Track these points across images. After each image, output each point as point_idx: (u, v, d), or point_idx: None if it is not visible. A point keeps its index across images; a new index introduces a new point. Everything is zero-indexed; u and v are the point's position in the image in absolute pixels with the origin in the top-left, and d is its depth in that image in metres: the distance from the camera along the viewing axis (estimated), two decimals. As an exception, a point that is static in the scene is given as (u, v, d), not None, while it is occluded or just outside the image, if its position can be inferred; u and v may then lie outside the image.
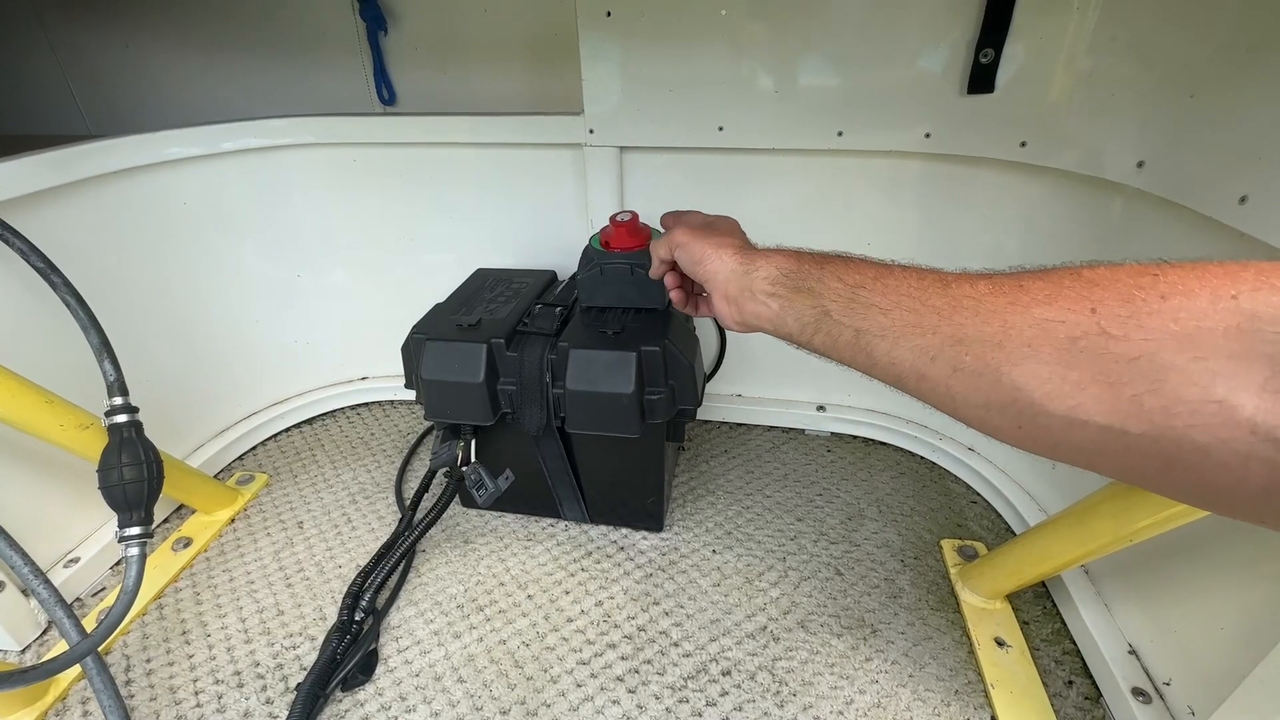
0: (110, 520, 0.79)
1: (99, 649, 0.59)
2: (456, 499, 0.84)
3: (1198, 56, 0.55)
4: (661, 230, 0.79)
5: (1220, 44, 0.53)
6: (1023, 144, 0.70)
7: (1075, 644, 0.66)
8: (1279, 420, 0.22)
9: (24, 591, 0.68)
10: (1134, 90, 0.61)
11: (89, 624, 0.69)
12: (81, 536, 0.78)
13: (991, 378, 0.30)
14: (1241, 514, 0.26)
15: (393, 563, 0.72)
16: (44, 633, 0.70)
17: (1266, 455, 0.23)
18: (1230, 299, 0.23)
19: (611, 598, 0.73)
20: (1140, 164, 0.60)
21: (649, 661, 0.66)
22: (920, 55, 0.71)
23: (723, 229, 0.52)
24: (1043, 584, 0.72)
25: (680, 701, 0.62)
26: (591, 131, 0.82)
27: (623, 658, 0.66)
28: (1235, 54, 0.51)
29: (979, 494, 0.87)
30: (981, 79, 0.69)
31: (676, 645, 0.67)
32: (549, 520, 0.84)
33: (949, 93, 0.71)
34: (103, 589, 0.76)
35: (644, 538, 0.81)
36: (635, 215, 0.77)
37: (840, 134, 0.76)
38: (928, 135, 0.74)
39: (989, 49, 0.67)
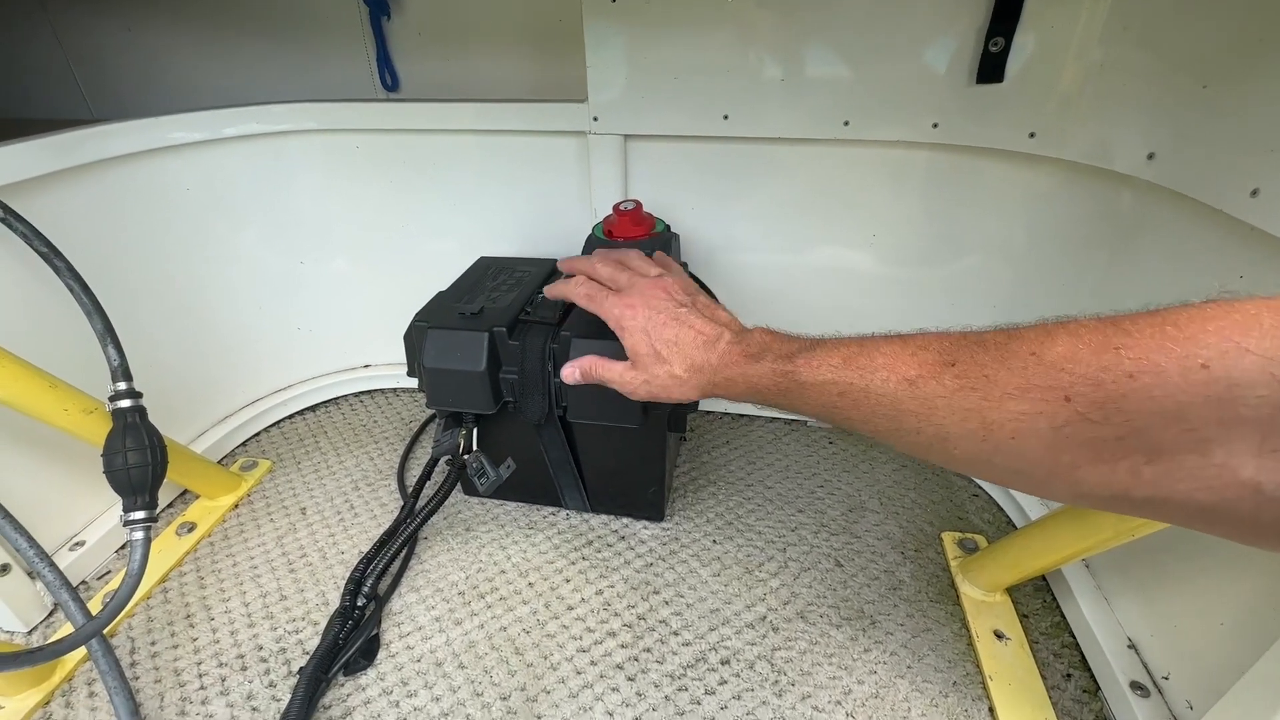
0: (115, 504, 0.79)
1: (104, 631, 0.60)
2: (458, 487, 0.85)
3: (1211, 47, 0.54)
4: (665, 223, 0.79)
5: (1234, 34, 0.52)
6: (1031, 135, 0.70)
7: (1074, 637, 0.66)
8: None
9: (30, 574, 0.69)
10: (1145, 81, 0.60)
11: (94, 607, 0.70)
12: (87, 520, 0.78)
13: (985, 464, 0.31)
14: (1266, 549, 0.26)
15: (395, 549, 0.73)
16: (50, 615, 0.71)
17: (1274, 512, 0.22)
18: (1201, 369, 0.23)
19: (612, 586, 0.73)
20: (1150, 156, 0.60)
21: (649, 650, 0.66)
22: (929, 44, 0.70)
23: (671, 333, 0.47)
24: (1043, 577, 0.72)
25: (679, 690, 0.62)
26: (595, 119, 0.82)
27: (622, 646, 0.67)
28: (1249, 45, 0.51)
29: (980, 487, 0.87)
30: (991, 68, 0.68)
31: (676, 634, 0.68)
32: (550, 509, 0.84)
33: (957, 82, 0.70)
34: (108, 572, 0.77)
35: (645, 527, 0.81)
36: (639, 204, 0.77)
37: (847, 123, 0.76)
38: (935, 125, 0.73)
39: (999, 38, 0.66)
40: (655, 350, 0.47)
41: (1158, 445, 0.24)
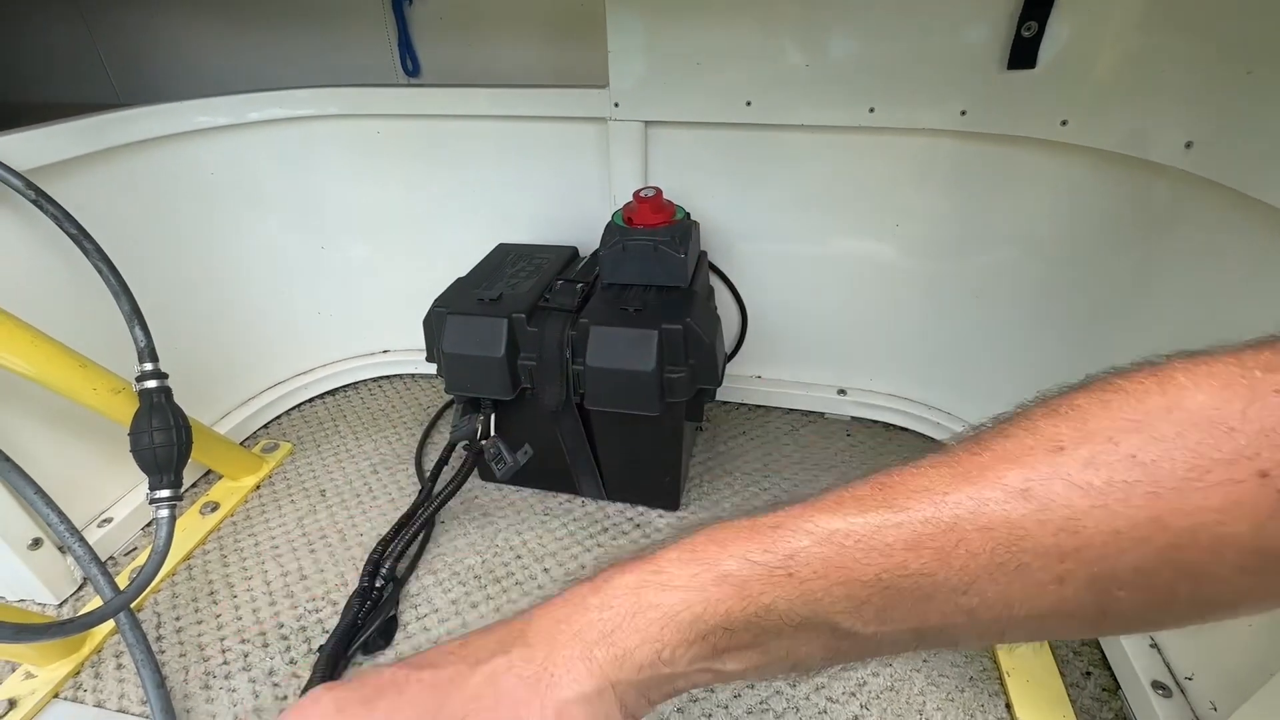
0: (141, 483, 0.81)
1: (131, 606, 0.62)
2: (475, 472, 0.85)
3: (1257, 30, 0.52)
4: (685, 210, 0.78)
5: (1283, 17, 0.50)
6: (1064, 123, 0.68)
7: (1095, 636, 0.65)
8: None
9: (60, 549, 0.71)
10: (1186, 66, 0.58)
11: (121, 582, 0.72)
12: (115, 498, 0.80)
13: (1161, 606, 0.21)
14: None
15: (412, 532, 0.73)
16: (79, 589, 0.73)
17: None
18: (1260, 478, 0.17)
19: (627, 574, 0.74)
20: (1189, 145, 0.58)
21: (663, 637, 0.66)
22: (959, 28, 0.68)
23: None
24: (1063, 575, 0.71)
25: (693, 677, 0.63)
26: (616, 105, 0.81)
27: (637, 632, 0.67)
28: (1299, 28, 0.49)
29: (1001, 482, 0.86)
30: (1023, 53, 0.66)
31: (690, 622, 0.68)
32: (566, 496, 0.85)
33: (988, 68, 0.68)
34: (134, 549, 0.79)
35: (660, 516, 0.81)
36: (659, 191, 0.76)
37: (872, 110, 0.74)
38: (963, 112, 0.72)
39: (1032, 22, 0.64)
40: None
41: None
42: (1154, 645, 0.60)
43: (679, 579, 0.22)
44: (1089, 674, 0.62)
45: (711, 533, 0.23)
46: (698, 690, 0.61)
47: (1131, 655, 0.59)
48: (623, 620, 0.22)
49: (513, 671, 0.22)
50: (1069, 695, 0.60)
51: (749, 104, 0.77)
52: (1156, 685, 0.57)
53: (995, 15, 0.66)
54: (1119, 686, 0.60)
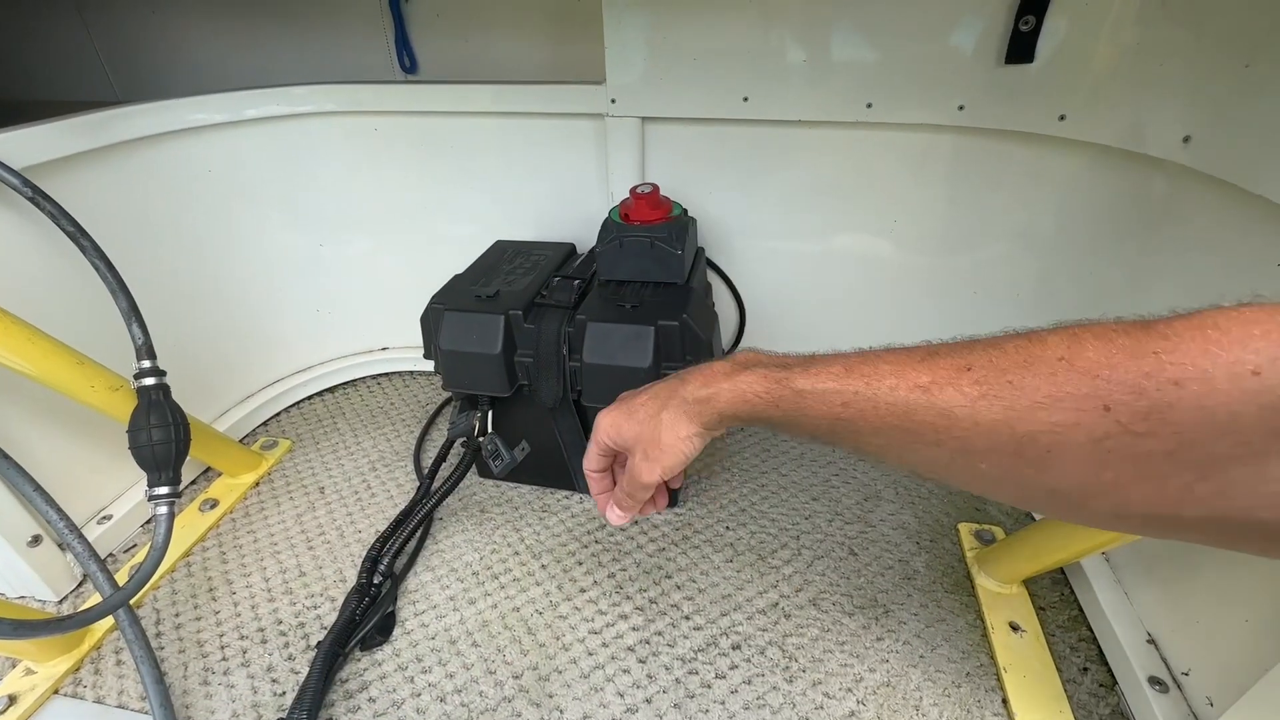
0: (140, 480, 0.81)
1: (130, 602, 0.62)
2: (473, 469, 0.85)
3: (1256, 23, 0.51)
4: (682, 206, 0.78)
5: (1281, 10, 0.50)
6: (1061, 117, 0.67)
7: (1092, 631, 0.65)
8: None
9: (60, 546, 0.71)
10: (1184, 60, 0.58)
11: (121, 578, 0.72)
12: (114, 495, 0.80)
13: (1019, 483, 0.28)
14: None
15: (410, 529, 0.74)
16: (79, 585, 0.73)
17: None
18: (1252, 376, 0.21)
19: (624, 570, 0.74)
20: (1186, 139, 0.57)
21: (660, 633, 0.67)
22: (956, 22, 0.68)
23: (643, 401, 0.42)
24: (1061, 570, 0.71)
25: (690, 673, 0.63)
26: (614, 101, 0.81)
27: (634, 629, 0.67)
28: (1297, 20, 0.48)
29: (999, 478, 0.86)
30: (1020, 48, 0.66)
31: (688, 618, 0.68)
32: (564, 492, 0.85)
33: (985, 62, 0.68)
34: (134, 546, 0.79)
35: (658, 512, 0.81)
36: (656, 187, 0.76)
37: (869, 106, 0.74)
38: (961, 107, 0.71)
39: (1030, 16, 0.64)
40: (637, 422, 0.42)
41: (1210, 460, 0.22)
42: (1151, 641, 0.60)
43: (736, 387, 0.38)
44: (1086, 669, 0.62)
45: (756, 372, 0.37)
46: (696, 687, 0.61)
47: (1129, 651, 0.59)
48: (709, 395, 0.39)
49: (674, 398, 0.41)
50: (1066, 691, 0.60)
51: (746, 100, 0.77)
52: (1153, 680, 0.57)
53: (993, 9, 0.66)
54: (1116, 682, 0.61)
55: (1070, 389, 0.25)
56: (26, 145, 0.65)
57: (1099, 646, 0.64)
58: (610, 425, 0.44)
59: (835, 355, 0.35)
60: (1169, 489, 0.24)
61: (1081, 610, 0.67)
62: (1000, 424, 0.27)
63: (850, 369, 0.33)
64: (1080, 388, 0.24)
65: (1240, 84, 0.53)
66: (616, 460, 0.48)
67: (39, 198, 0.63)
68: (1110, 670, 0.62)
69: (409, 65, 1.17)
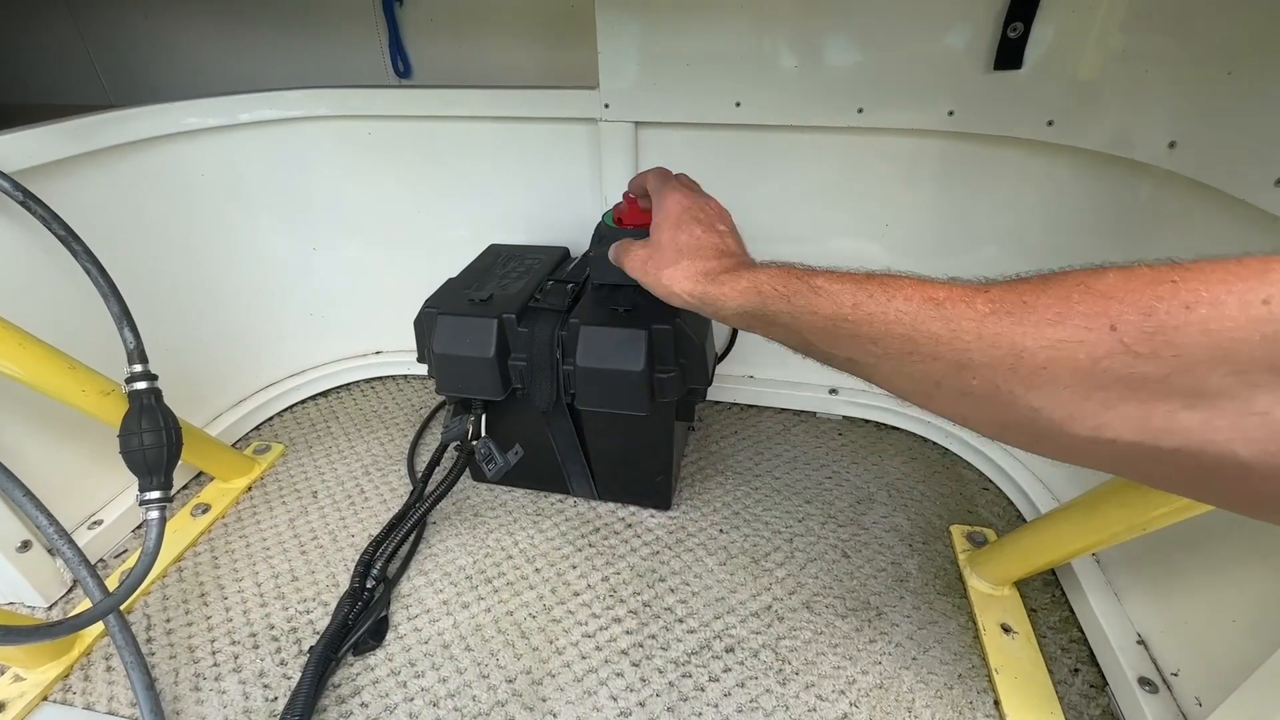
0: (132, 485, 0.80)
1: (121, 608, 0.61)
2: (467, 473, 0.85)
3: (1236, 33, 0.52)
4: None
5: (1260, 20, 0.50)
6: (1049, 123, 0.68)
7: (1083, 632, 0.66)
8: None
9: (50, 551, 0.70)
10: (1168, 67, 0.58)
11: (111, 584, 0.72)
12: (105, 500, 0.80)
13: (1004, 401, 0.28)
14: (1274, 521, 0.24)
15: (404, 533, 0.74)
16: (69, 591, 0.73)
17: None
18: (1262, 305, 0.21)
19: (618, 573, 0.74)
20: (1172, 144, 0.58)
21: (653, 636, 0.67)
22: (946, 29, 0.68)
23: (697, 234, 0.48)
24: (1052, 572, 0.72)
25: (683, 676, 0.63)
26: (607, 106, 0.81)
27: (628, 632, 0.67)
28: (1276, 30, 0.49)
29: (991, 480, 0.86)
30: (1009, 54, 0.67)
31: (681, 621, 0.68)
32: (558, 496, 0.85)
33: (974, 69, 0.69)
34: (124, 551, 0.79)
35: (652, 515, 0.82)
36: (649, 192, 0.76)
37: (860, 111, 0.75)
38: (951, 113, 0.72)
39: (1018, 23, 0.65)
40: (677, 241, 0.48)
41: (1200, 387, 0.23)
42: (1141, 642, 0.60)
43: (754, 277, 0.41)
44: (1077, 670, 0.63)
45: (776, 271, 0.40)
46: (690, 690, 0.62)
47: (1119, 651, 0.60)
48: (741, 275, 0.42)
49: (701, 258, 0.46)
50: (1057, 692, 0.60)
51: (738, 105, 0.78)
52: (1143, 681, 0.57)
53: (981, 17, 0.66)
54: (1106, 683, 0.61)
55: (1082, 308, 0.25)
56: (18, 149, 0.64)
57: (1090, 647, 0.64)
58: (676, 205, 0.50)
59: (845, 293, 0.35)
60: (1155, 415, 0.24)
61: (1072, 611, 0.68)
62: (1002, 337, 0.27)
63: (871, 278, 0.34)
64: (1093, 307, 0.25)
65: (1222, 91, 0.53)
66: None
67: (30, 202, 0.63)
68: (1101, 671, 0.62)
69: (403, 70, 1.17)
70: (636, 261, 0.50)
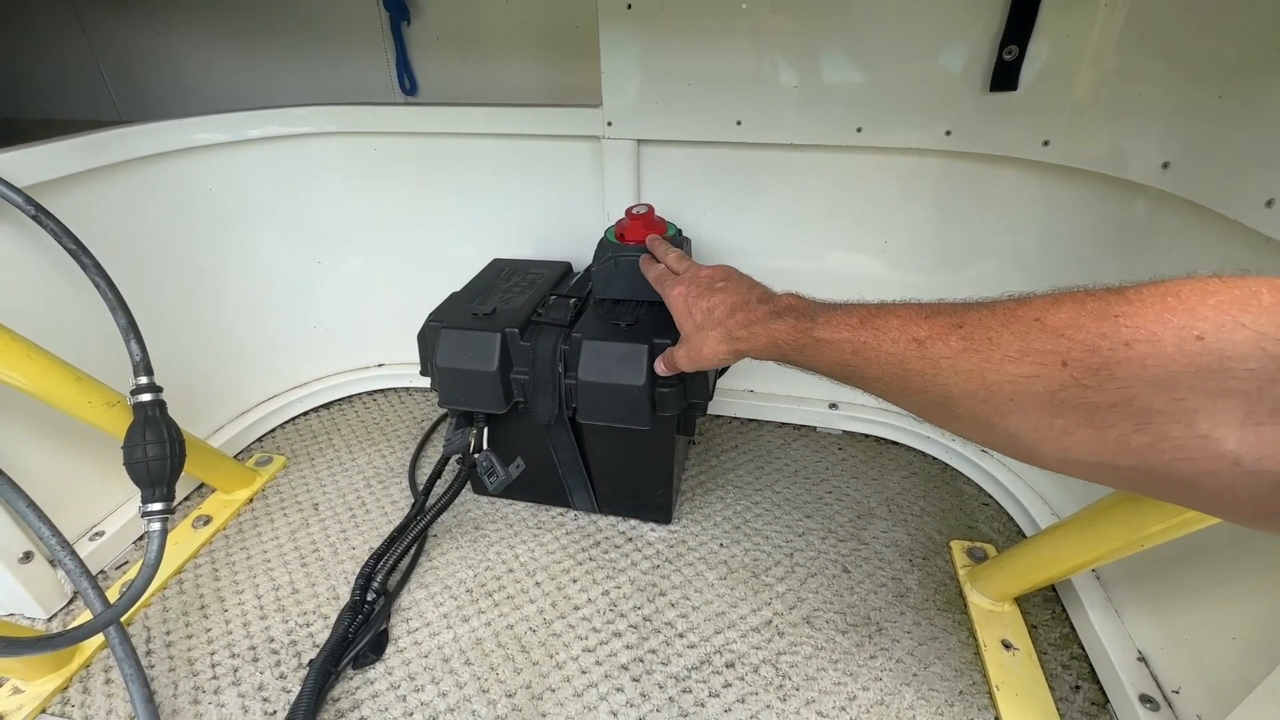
0: (134, 496, 0.81)
1: (121, 619, 0.61)
2: (468, 486, 0.85)
3: (1226, 57, 0.53)
4: (677, 227, 0.80)
5: (1249, 44, 0.52)
6: (1045, 143, 0.69)
7: (1084, 649, 0.65)
8: (1260, 453, 0.22)
9: (51, 562, 0.71)
10: (1161, 89, 0.60)
11: (112, 595, 0.71)
12: (107, 511, 0.80)
13: (985, 426, 0.32)
14: (1240, 524, 0.26)
15: (404, 546, 0.74)
16: (70, 602, 0.73)
17: (1251, 486, 0.23)
18: (1196, 340, 0.23)
19: (618, 587, 0.74)
20: (1165, 165, 0.59)
21: (654, 651, 0.67)
22: (942, 51, 0.70)
23: (704, 308, 0.55)
24: (1053, 588, 0.72)
25: (683, 691, 0.63)
26: (610, 124, 0.82)
27: (628, 646, 0.67)
28: (1265, 55, 0.50)
29: (991, 496, 0.86)
30: (1005, 76, 0.68)
31: (681, 636, 0.68)
32: (558, 509, 0.85)
33: (971, 90, 0.70)
34: (126, 562, 0.79)
35: (652, 529, 0.82)
36: (651, 208, 0.77)
37: (859, 130, 0.76)
38: (948, 133, 0.73)
39: (1013, 46, 0.66)
40: (695, 321, 0.55)
41: (1146, 414, 0.25)
42: (1142, 659, 0.60)
43: (770, 332, 0.47)
44: (1078, 688, 0.62)
45: (786, 320, 0.45)
46: (690, 705, 0.61)
47: (1120, 669, 0.60)
48: (747, 335, 0.50)
49: (720, 326, 0.52)
50: (1058, 709, 0.60)
51: (739, 123, 0.79)
52: (1144, 699, 0.57)
53: (977, 39, 0.68)
54: (1108, 700, 0.61)
55: (1037, 345, 0.28)
56: (31, 164, 0.66)
57: (1090, 664, 0.64)
58: (679, 299, 0.57)
59: (856, 306, 0.41)
60: (1109, 439, 0.26)
61: (1073, 628, 0.68)
62: (973, 374, 0.31)
63: (864, 321, 0.39)
64: (1046, 344, 0.28)
65: (1214, 113, 0.54)
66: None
67: (41, 216, 0.63)
68: (1102, 688, 0.62)
69: (409, 87, 1.19)
70: (684, 360, 0.57)
